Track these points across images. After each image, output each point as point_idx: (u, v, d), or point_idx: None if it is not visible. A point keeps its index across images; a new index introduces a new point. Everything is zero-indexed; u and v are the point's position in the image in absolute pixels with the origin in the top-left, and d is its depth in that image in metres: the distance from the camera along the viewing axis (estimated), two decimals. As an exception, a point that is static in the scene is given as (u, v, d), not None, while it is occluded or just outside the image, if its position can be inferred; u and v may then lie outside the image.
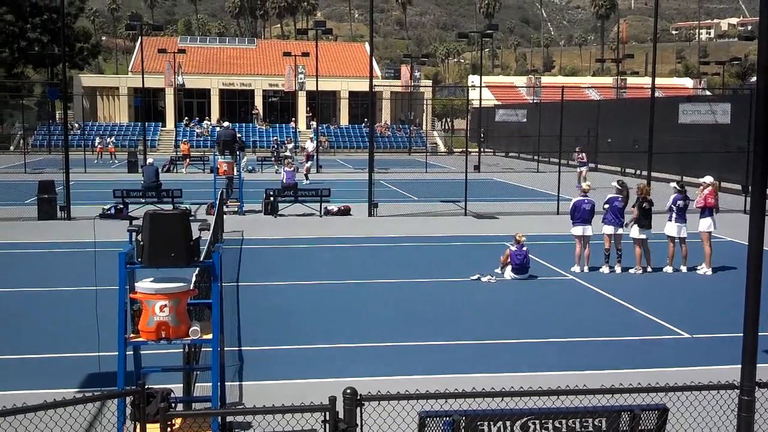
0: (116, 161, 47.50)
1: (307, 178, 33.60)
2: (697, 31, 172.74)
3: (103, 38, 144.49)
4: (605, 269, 15.53)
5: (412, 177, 38.53)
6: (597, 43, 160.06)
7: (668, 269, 15.71)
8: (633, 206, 15.67)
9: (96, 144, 51.66)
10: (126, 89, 65.50)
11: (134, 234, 6.27)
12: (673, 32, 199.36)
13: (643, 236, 15.39)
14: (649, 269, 15.54)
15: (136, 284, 6.27)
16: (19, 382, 8.89)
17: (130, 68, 74.00)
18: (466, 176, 24.85)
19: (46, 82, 60.54)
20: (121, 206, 22.99)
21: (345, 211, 24.08)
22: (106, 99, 67.87)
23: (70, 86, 59.09)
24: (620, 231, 15.49)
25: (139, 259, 6.16)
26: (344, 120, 68.78)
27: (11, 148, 59.28)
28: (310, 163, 35.97)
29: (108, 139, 52.72)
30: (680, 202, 15.66)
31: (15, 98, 62.43)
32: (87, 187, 30.13)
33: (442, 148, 65.42)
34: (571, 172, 36.57)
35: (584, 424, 5.26)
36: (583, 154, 34.16)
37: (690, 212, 15.96)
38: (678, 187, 15.96)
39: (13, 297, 13.33)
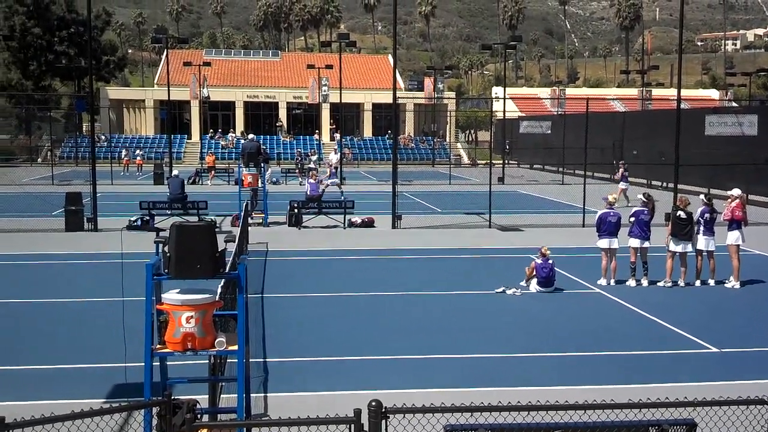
0: (141, 173, 47.91)
1: (339, 188, 32.76)
2: (723, 42, 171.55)
3: (129, 51, 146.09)
4: (632, 282, 15.39)
5: (435, 189, 38.48)
6: (622, 55, 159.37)
7: (696, 283, 15.54)
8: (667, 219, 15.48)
9: (122, 156, 52.15)
10: (152, 102, 66.18)
11: (161, 246, 6.32)
12: (699, 43, 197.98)
13: (678, 248, 15.23)
14: (681, 283, 15.34)
15: (162, 295, 6.31)
16: (47, 392, 8.96)
17: (155, 81, 74.77)
18: (490, 188, 24.79)
19: (73, 95, 61.38)
20: (148, 218, 23.15)
21: (369, 223, 24.10)
22: (132, 111, 68.59)
23: (97, 99, 59.81)
24: (646, 244, 15.35)
25: (166, 271, 6.21)
26: (368, 132, 68.95)
27: (39, 160, 60.02)
28: (331, 180, 35.13)
29: (137, 152, 53.19)
30: (708, 215, 15.51)
31: (43, 110, 63.29)
32: (113, 199, 30.42)
33: (465, 159, 65.35)
34: (597, 184, 36.38)
35: (611, 438, 5.21)
36: (623, 170, 32.44)
37: (718, 225, 15.80)
38: (705, 200, 15.81)
39: (41, 308, 13.46)
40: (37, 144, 63.55)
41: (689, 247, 15.30)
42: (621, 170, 32.41)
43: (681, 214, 15.28)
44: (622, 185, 31.55)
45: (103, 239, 21.07)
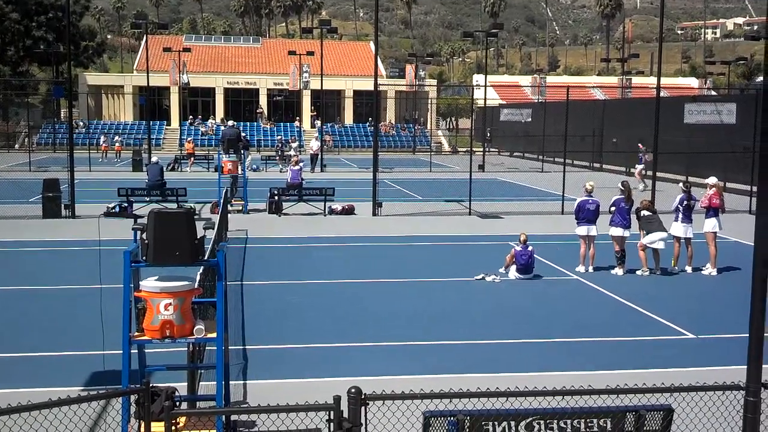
0: (119, 160, 47.56)
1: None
2: (702, 30, 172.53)
3: (109, 37, 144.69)
4: (619, 271, 15.39)
5: (416, 176, 38.51)
6: (602, 43, 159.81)
7: (674, 270, 15.66)
8: (637, 217, 15.57)
9: (101, 142, 51.73)
10: (131, 88, 65.58)
11: (139, 232, 6.27)
12: (679, 32, 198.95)
13: (661, 245, 15.28)
14: (657, 272, 15.46)
15: (140, 283, 6.27)
16: (24, 380, 8.90)
17: (135, 67, 74.07)
18: (471, 176, 24.83)
19: (51, 81, 60.66)
20: (126, 205, 23.00)
21: (349, 211, 24.08)
22: (111, 97, 67.96)
23: (75, 85, 59.14)
24: (627, 233, 15.40)
25: (144, 258, 6.16)
26: (349, 119, 68.77)
27: (16, 146, 59.39)
28: (303, 164, 34.96)
29: (115, 138, 52.76)
30: (686, 202, 15.62)
31: (20, 96, 62.56)
32: (91, 185, 30.18)
33: (446, 147, 65.38)
34: (577, 171, 36.58)
35: (589, 424, 5.24)
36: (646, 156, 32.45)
37: (695, 213, 15.92)
38: (684, 187, 15.93)
39: (18, 295, 13.35)
40: (15, 130, 62.85)
41: (661, 244, 15.30)
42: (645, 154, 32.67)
43: (645, 213, 15.40)
44: (639, 167, 32.19)
45: (81, 226, 20.92)
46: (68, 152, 23.75)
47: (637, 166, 33.09)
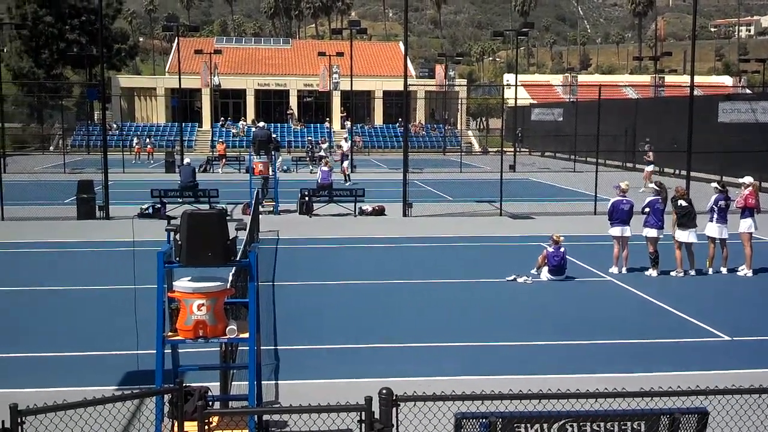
0: (152, 161, 48.04)
1: (348, 179, 33.08)
2: (736, 28, 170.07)
3: (141, 39, 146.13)
4: (653, 273, 15.21)
5: (446, 177, 38.41)
6: (634, 41, 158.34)
7: (708, 271, 15.47)
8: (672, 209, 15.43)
9: (134, 144, 52.29)
10: (163, 90, 66.21)
11: (172, 233, 6.32)
12: (712, 29, 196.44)
13: (684, 237, 15.13)
14: (692, 272, 15.26)
15: (174, 283, 6.32)
16: (59, 379, 9.02)
17: (166, 69, 74.79)
18: (502, 176, 24.71)
19: (84, 83, 61.44)
20: (159, 206, 23.23)
21: (379, 211, 24.08)
22: (143, 99, 68.69)
23: (109, 87, 59.89)
24: (662, 234, 15.23)
25: (177, 259, 6.21)
26: (378, 120, 68.82)
27: (51, 148, 60.24)
28: (346, 162, 35.67)
29: (147, 140, 53.31)
30: (722, 203, 15.41)
31: (54, 99, 63.42)
32: (125, 187, 30.51)
33: (476, 147, 65.17)
34: (609, 171, 36.24)
35: (623, 427, 5.19)
36: (651, 153, 32.38)
37: (730, 213, 15.71)
38: (719, 187, 15.71)
39: (53, 295, 13.53)
40: (49, 132, 63.75)
41: (693, 237, 15.14)
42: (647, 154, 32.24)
43: (681, 202, 15.20)
44: (648, 168, 31.56)
45: (115, 227, 21.15)
46: (102, 154, 24.04)
47: (646, 168, 32.10)
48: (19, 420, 4.51)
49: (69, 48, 66.63)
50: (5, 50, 72.02)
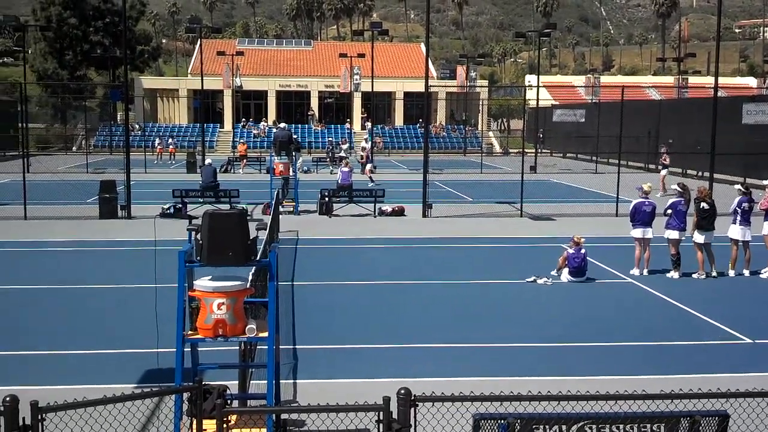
0: (174, 161, 48.33)
1: (372, 180, 33.05)
2: (761, 28, 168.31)
3: (164, 41, 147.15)
4: (675, 275, 15.09)
5: (467, 178, 38.33)
6: (658, 42, 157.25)
7: (731, 273, 15.32)
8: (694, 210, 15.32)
9: (156, 145, 52.66)
10: (185, 91, 66.61)
11: (193, 233, 6.36)
12: (737, 30, 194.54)
13: (701, 239, 14.99)
14: (714, 274, 15.14)
15: (194, 282, 6.36)
16: (79, 377, 9.10)
17: (189, 70, 75.27)
18: (522, 177, 24.61)
19: (108, 84, 61.96)
20: (180, 206, 23.36)
21: (399, 212, 24.08)
22: (166, 101, 69.12)
23: (131, 88, 60.36)
24: (684, 236, 15.12)
25: (198, 258, 6.24)
26: (399, 121, 68.78)
27: (74, 148, 60.75)
28: (370, 165, 35.62)
29: (168, 140, 53.67)
30: (745, 205, 15.27)
31: (78, 100, 64.02)
32: (147, 186, 30.71)
33: (497, 148, 64.97)
34: (632, 173, 36.00)
35: (642, 429, 5.15)
36: (667, 156, 31.89)
37: (754, 215, 15.56)
38: (743, 189, 15.56)
39: (76, 293, 13.65)
40: (72, 133, 64.33)
41: (708, 238, 15.01)
42: (663, 156, 31.83)
43: (704, 205, 15.07)
44: (663, 172, 31.05)
45: (137, 226, 21.30)
46: (124, 154, 24.21)
47: (661, 171, 31.47)
48: (39, 417, 4.55)
49: (93, 49, 67.20)
50: (30, 52, 72.74)
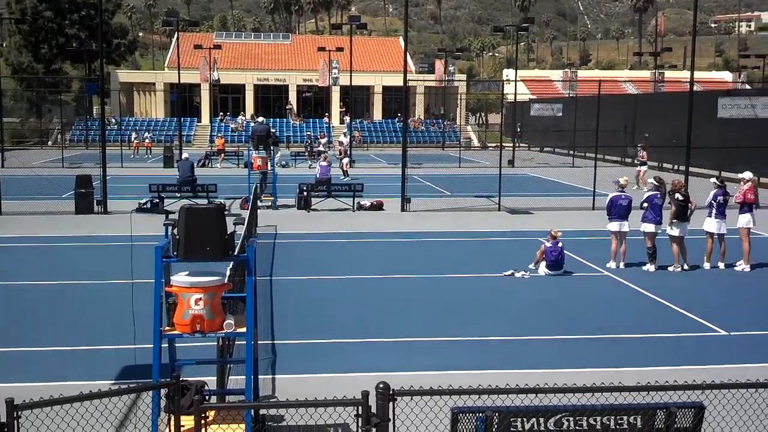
0: (151, 156, 48.01)
1: (346, 174, 33.07)
2: (736, 23, 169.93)
3: (140, 34, 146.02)
4: (651, 268, 15.21)
5: (445, 172, 38.40)
6: (634, 36, 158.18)
7: (706, 266, 15.48)
8: (669, 202, 15.45)
9: (132, 139, 52.27)
10: (162, 85, 66.17)
11: (170, 228, 6.33)
12: (713, 25, 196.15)
13: (676, 232, 15.12)
14: (686, 266, 15.30)
15: (171, 278, 6.32)
16: (56, 374, 9.02)
17: (166, 64, 74.70)
18: (500, 171, 24.71)
19: (83, 78, 61.38)
20: (157, 200, 23.22)
21: (378, 206, 24.08)
22: (142, 94, 68.63)
23: (108, 82, 59.85)
24: (660, 229, 15.24)
25: (175, 253, 6.21)
26: (378, 115, 68.78)
27: (49, 142, 60.18)
28: (346, 159, 35.69)
29: (145, 134, 53.30)
30: (720, 198, 15.42)
31: (53, 94, 63.40)
32: (123, 181, 30.51)
33: (476, 142, 65.14)
34: (608, 166, 36.22)
35: (619, 421, 5.20)
36: (644, 152, 31.89)
37: (729, 208, 15.71)
38: (718, 183, 15.72)
39: (51, 289, 13.54)
40: (48, 127, 63.72)
41: (682, 231, 15.15)
42: (641, 152, 31.91)
43: (678, 196, 15.20)
44: (640, 168, 31.13)
45: (113, 221, 21.15)
46: (100, 149, 24.03)
47: (640, 168, 31.25)
48: (15, 414, 4.51)
49: (68, 43, 66.53)
50: (5, 45, 71.92)
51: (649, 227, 15.15)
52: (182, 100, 53.16)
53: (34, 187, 27.27)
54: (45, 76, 63.93)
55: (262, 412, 6.99)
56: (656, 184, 15.57)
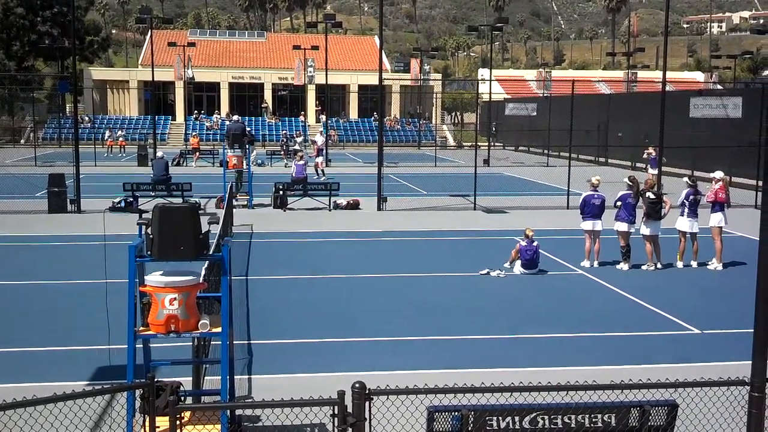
0: (124, 154, 47.62)
1: (319, 173, 32.96)
2: (708, 24, 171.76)
3: (113, 31, 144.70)
4: (625, 266, 15.34)
5: (421, 171, 38.47)
6: (608, 37, 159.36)
7: (679, 264, 15.64)
8: (641, 201, 15.58)
9: (106, 137, 51.82)
10: (136, 82, 65.62)
11: (144, 227, 6.29)
12: (685, 26, 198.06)
13: (648, 231, 15.25)
14: (659, 265, 15.45)
15: (145, 277, 6.29)
16: (30, 374, 8.93)
17: (140, 61, 74.13)
18: (476, 170, 24.80)
19: (56, 76, 60.74)
20: (131, 199, 23.04)
21: (354, 205, 24.07)
22: (116, 92, 68.02)
23: (81, 79, 59.25)
24: (633, 228, 15.38)
25: (149, 252, 6.18)
26: (353, 114, 68.72)
27: (22, 141, 59.50)
28: (321, 158, 35.66)
29: (118, 133, 52.85)
30: (692, 197, 15.58)
31: (25, 91, 62.64)
32: (97, 180, 30.20)
33: (451, 141, 65.29)
34: (582, 166, 36.48)
35: (593, 419, 5.25)
36: (654, 152, 28.41)
37: (701, 207, 15.89)
38: (690, 182, 15.89)
39: (24, 290, 13.39)
40: (20, 125, 62.98)
41: (655, 230, 15.30)
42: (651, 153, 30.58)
43: (650, 194, 15.35)
44: (651, 172, 28.96)
45: (87, 221, 20.96)
46: (73, 147, 23.81)
47: (650, 170, 28.46)
48: (-13, 416, 4.46)
49: (40, 40, 65.81)
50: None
51: (623, 226, 15.27)
52: (156, 98, 52.78)
53: (6, 186, 26.98)
54: (17, 74, 63.15)
55: (238, 412, 6.97)
56: (629, 183, 15.70)
